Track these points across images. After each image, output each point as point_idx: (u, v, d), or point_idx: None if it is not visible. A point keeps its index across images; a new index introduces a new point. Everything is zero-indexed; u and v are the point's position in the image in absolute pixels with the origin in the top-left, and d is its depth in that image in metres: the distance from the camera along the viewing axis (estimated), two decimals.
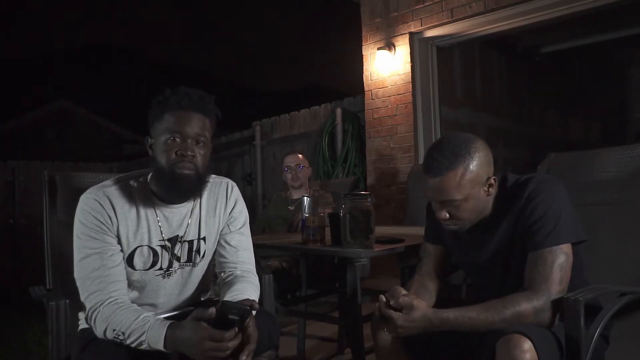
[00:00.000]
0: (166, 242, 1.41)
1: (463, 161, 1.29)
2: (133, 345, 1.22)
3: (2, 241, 6.21)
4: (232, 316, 1.15)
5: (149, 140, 1.38)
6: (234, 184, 1.56)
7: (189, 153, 1.32)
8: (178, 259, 1.44)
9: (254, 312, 1.22)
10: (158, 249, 1.40)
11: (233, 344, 1.15)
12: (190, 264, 1.46)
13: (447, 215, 1.35)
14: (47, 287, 1.66)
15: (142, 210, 1.39)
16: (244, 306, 1.20)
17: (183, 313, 1.45)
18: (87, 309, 1.29)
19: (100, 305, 1.27)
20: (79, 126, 13.45)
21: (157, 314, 1.42)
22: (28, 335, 3.62)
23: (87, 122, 13.74)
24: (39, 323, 3.69)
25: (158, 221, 1.40)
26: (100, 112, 14.38)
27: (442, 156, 1.30)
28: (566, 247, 1.26)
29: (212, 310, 1.17)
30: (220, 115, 1.43)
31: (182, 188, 1.35)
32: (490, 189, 1.35)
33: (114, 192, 1.37)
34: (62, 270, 1.66)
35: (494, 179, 1.35)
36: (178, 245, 1.43)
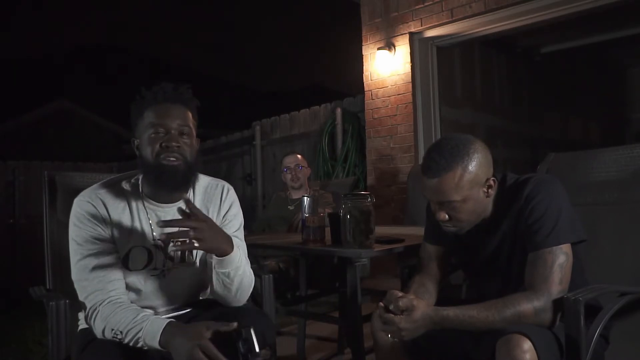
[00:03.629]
0: (158, 242, 1.41)
1: (461, 162, 1.28)
2: (130, 343, 1.22)
3: (2, 241, 6.20)
4: (240, 347, 1.12)
5: (135, 141, 1.39)
6: (230, 187, 1.55)
7: (173, 144, 1.32)
8: (172, 259, 1.43)
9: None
10: (152, 249, 1.41)
11: None
12: (185, 264, 1.46)
13: (446, 216, 1.35)
14: (47, 287, 1.67)
15: (134, 212, 1.39)
16: (262, 353, 1.15)
17: (183, 313, 1.45)
18: (87, 309, 1.29)
19: (99, 305, 1.27)
20: (79, 126, 13.43)
21: (155, 314, 1.43)
22: (28, 335, 3.61)
23: (87, 122, 13.73)
24: (39, 323, 3.68)
25: (150, 221, 1.41)
26: (100, 112, 14.37)
27: (440, 157, 1.30)
28: (566, 247, 1.26)
29: (234, 324, 1.16)
30: (199, 103, 1.43)
31: (170, 180, 1.34)
32: (489, 190, 1.34)
33: (106, 194, 1.38)
34: (62, 270, 1.65)
35: (493, 180, 1.35)
36: (171, 245, 1.43)
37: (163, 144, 1.32)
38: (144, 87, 1.38)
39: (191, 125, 1.38)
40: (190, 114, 1.39)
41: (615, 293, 1.34)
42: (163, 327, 1.20)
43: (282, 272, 2.72)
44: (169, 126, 1.33)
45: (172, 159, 1.32)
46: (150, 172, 1.35)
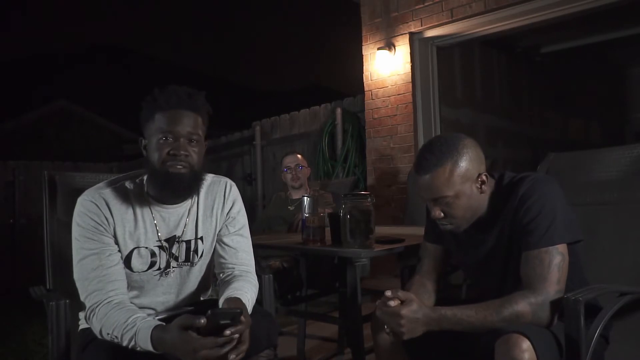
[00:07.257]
0: (163, 243, 1.41)
1: (451, 157, 1.30)
2: (129, 347, 1.22)
3: (2, 241, 6.20)
4: (223, 322, 1.14)
5: (143, 141, 1.38)
6: (233, 183, 1.55)
7: (181, 152, 1.32)
8: (176, 259, 1.43)
9: (243, 318, 1.19)
10: (156, 250, 1.40)
11: (228, 347, 1.14)
12: (189, 263, 1.46)
13: (441, 213, 1.35)
14: (47, 287, 1.66)
15: (138, 212, 1.39)
16: (234, 309, 1.19)
17: (181, 313, 1.45)
18: (86, 309, 1.29)
19: (97, 306, 1.27)
20: (79, 126, 13.44)
21: (157, 314, 1.43)
22: (28, 335, 3.62)
23: (87, 122, 13.73)
24: (39, 323, 3.69)
25: (154, 222, 1.40)
26: (100, 112, 14.38)
27: (431, 154, 1.32)
28: (562, 247, 1.26)
29: (202, 321, 1.15)
30: (212, 111, 1.43)
31: (176, 187, 1.35)
32: (482, 186, 1.35)
33: (109, 193, 1.37)
34: (62, 270, 1.66)
35: (486, 176, 1.35)
36: (176, 246, 1.43)
37: (171, 152, 1.31)
38: (158, 87, 1.36)
39: (200, 132, 1.37)
40: (201, 120, 1.37)
41: (615, 293, 1.34)
42: (150, 333, 1.19)
43: (286, 272, 2.72)
44: (179, 133, 1.32)
45: (179, 166, 1.32)
46: (156, 177, 1.35)
